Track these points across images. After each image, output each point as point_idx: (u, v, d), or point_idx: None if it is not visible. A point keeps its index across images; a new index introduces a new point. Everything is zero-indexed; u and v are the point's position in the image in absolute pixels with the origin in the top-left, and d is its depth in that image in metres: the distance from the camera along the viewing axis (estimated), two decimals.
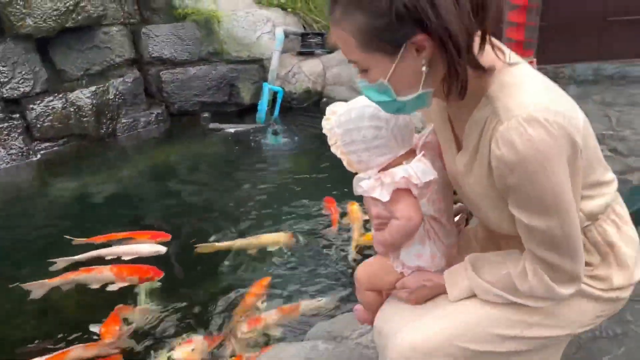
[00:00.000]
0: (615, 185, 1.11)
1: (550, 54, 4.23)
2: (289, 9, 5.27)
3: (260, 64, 4.53)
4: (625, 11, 4.62)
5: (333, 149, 1.18)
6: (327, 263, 2.38)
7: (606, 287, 1.08)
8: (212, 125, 4.10)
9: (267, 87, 4.23)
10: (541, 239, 0.97)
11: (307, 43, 4.84)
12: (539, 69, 1.24)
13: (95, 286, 2.25)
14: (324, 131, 1.19)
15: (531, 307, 1.06)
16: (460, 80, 0.93)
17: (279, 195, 2.98)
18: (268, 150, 3.82)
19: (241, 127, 4.14)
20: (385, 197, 1.08)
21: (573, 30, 4.35)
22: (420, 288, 1.18)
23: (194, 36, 4.28)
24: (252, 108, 4.41)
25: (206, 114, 4.11)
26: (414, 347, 1.07)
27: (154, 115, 4.17)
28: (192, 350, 1.87)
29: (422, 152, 1.12)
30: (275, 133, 3.92)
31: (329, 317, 1.98)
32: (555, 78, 4.58)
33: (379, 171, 1.13)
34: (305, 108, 4.56)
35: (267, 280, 2.22)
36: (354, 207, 2.66)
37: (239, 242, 2.48)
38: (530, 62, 4.22)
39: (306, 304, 2.09)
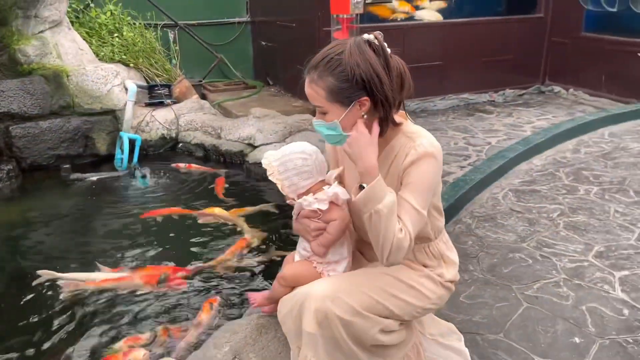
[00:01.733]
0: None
1: None
2: (131, 64, 5.51)
3: (113, 115, 4.68)
4: (418, 60, 5.82)
5: (270, 177, 1.70)
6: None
7: (442, 279, 1.73)
8: (73, 176, 4.13)
9: (125, 136, 4.40)
10: (407, 211, 1.53)
11: (156, 94, 5.12)
12: None
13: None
14: (264, 165, 1.71)
15: (408, 282, 1.67)
16: (388, 125, 1.57)
17: (155, 229, 3.27)
18: (137, 193, 3.98)
19: (104, 175, 4.23)
20: (324, 206, 1.63)
21: None
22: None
23: (43, 90, 4.30)
24: (109, 158, 4.53)
25: (67, 166, 4.12)
26: (329, 289, 1.58)
27: (4, 171, 4.04)
28: None
29: (337, 181, 1.70)
30: (143, 176, 4.10)
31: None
32: None
33: (303, 193, 1.68)
34: (162, 154, 4.82)
35: None
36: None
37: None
38: None
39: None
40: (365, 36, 1.53)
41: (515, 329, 2.27)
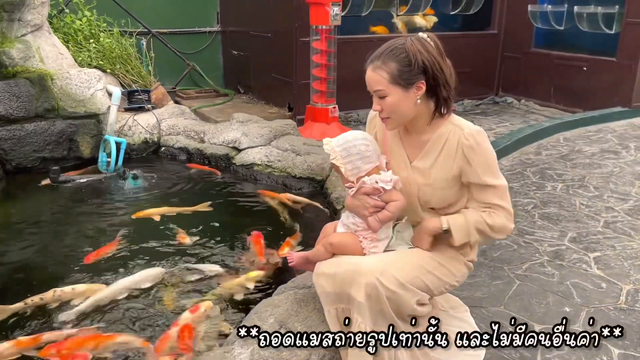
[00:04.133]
0: None
1: (341, 103, 5.42)
2: (108, 70, 5.54)
3: (96, 119, 4.70)
4: None
5: (333, 161, 1.87)
6: None
7: (466, 259, 1.97)
8: (62, 178, 4.13)
9: (112, 139, 4.45)
10: (496, 193, 1.82)
11: (136, 99, 5.18)
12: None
13: None
14: (326, 150, 1.89)
15: (440, 261, 1.89)
16: (450, 105, 1.81)
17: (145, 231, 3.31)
18: (128, 194, 4.05)
19: (93, 177, 4.26)
20: (389, 186, 1.83)
21: (354, 84, 5.64)
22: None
23: (29, 93, 4.29)
24: (92, 161, 4.56)
25: (55, 167, 4.12)
26: (378, 265, 1.79)
27: None
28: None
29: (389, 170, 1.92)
30: (135, 177, 4.16)
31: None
32: (346, 121, 5.82)
33: (361, 176, 1.86)
34: (145, 157, 4.88)
35: None
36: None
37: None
38: (334, 108, 5.39)
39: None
40: (421, 34, 1.79)
41: (513, 302, 2.56)
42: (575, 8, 6.15)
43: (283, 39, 5.83)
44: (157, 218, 3.44)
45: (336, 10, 4.98)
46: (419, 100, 1.76)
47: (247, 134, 4.67)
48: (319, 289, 1.95)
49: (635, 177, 4.23)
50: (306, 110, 5.47)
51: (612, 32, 5.93)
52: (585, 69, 6.23)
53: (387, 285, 1.75)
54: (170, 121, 5.09)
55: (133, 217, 3.48)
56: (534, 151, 4.93)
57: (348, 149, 1.84)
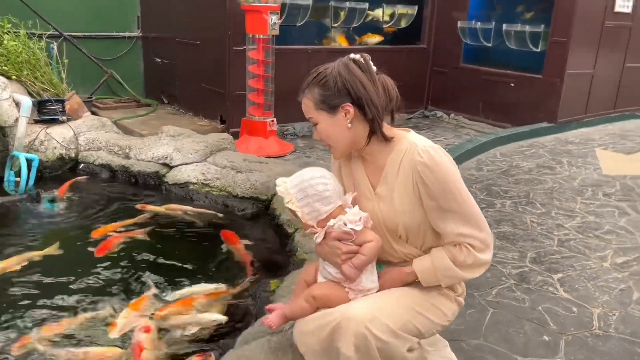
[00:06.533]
0: None
1: (276, 115, 5.15)
2: (14, 77, 4.89)
3: (1, 132, 4.11)
4: None
5: (289, 205, 1.65)
6: None
7: (455, 294, 1.77)
8: None
9: (22, 156, 3.88)
10: (458, 218, 1.61)
11: (48, 110, 4.60)
12: None
13: None
14: (279, 193, 1.67)
15: (431, 301, 1.69)
16: (380, 132, 1.64)
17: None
18: (44, 218, 3.52)
19: (5, 199, 3.68)
20: (360, 226, 1.62)
21: (289, 96, 5.40)
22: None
23: None
24: None
25: None
26: (367, 311, 1.56)
27: None
28: None
29: (355, 205, 1.70)
30: (52, 200, 3.64)
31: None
32: (282, 134, 5.56)
33: (323, 219, 1.63)
34: (60, 175, 4.32)
35: None
36: None
37: None
38: (272, 122, 5.14)
39: None
40: (352, 55, 1.64)
41: (491, 333, 2.40)
42: (504, 26, 6.31)
43: (214, 47, 5.47)
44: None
45: (274, 19, 4.72)
46: (349, 124, 1.62)
47: (179, 150, 4.27)
48: (302, 348, 1.71)
49: (575, 193, 4.31)
50: (242, 123, 5.14)
51: (539, 50, 6.14)
52: (512, 85, 6.40)
53: (378, 335, 1.53)
54: (89, 135, 4.56)
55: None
56: (475, 167, 4.92)
57: (304, 190, 1.63)
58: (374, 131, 1.65)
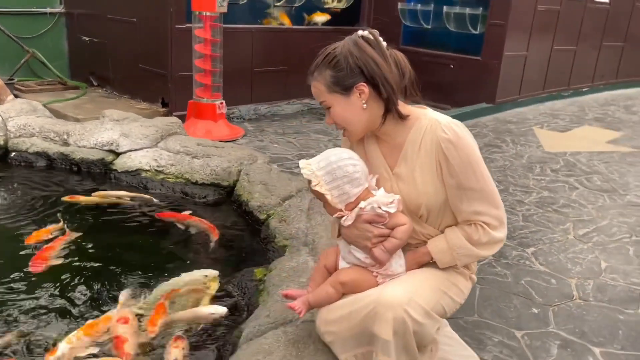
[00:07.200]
0: None
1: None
2: None
3: None
4: (266, 64, 5.79)
5: (317, 188, 1.54)
6: None
7: (469, 272, 1.74)
8: None
9: None
10: (476, 196, 1.57)
11: None
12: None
13: None
14: (305, 176, 1.56)
15: (452, 280, 1.65)
16: (395, 110, 1.57)
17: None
18: None
19: None
20: (394, 209, 1.55)
21: (233, 78, 5.19)
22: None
23: None
24: None
25: None
26: (404, 294, 1.49)
27: None
28: None
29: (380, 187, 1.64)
30: None
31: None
32: (230, 117, 5.34)
33: (352, 203, 1.55)
34: None
35: None
36: None
37: None
38: (221, 104, 4.94)
39: None
40: (360, 32, 1.58)
41: (484, 309, 2.43)
42: (444, 8, 6.40)
43: (153, 25, 5.11)
44: None
45: None
46: (364, 105, 1.56)
47: (127, 135, 3.96)
48: (329, 338, 1.63)
49: (526, 170, 4.47)
50: (188, 106, 4.86)
51: (477, 32, 6.29)
52: (452, 66, 6.54)
53: (416, 318, 1.48)
54: (19, 120, 4.11)
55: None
56: None
57: (333, 172, 1.54)
58: (389, 110, 1.59)
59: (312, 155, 1.61)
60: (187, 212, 3.14)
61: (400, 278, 1.61)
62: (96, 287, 2.34)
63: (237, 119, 5.58)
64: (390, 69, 1.55)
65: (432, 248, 1.63)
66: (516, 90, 6.77)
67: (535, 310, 2.45)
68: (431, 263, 1.66)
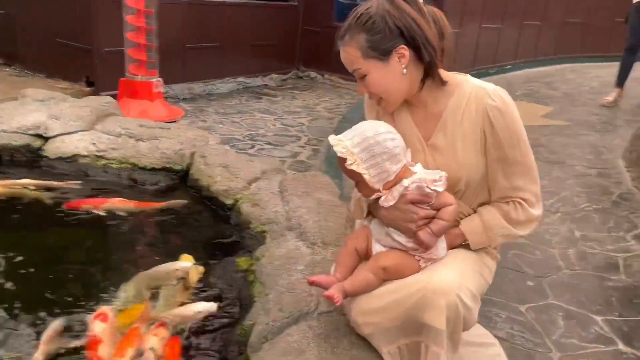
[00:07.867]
0: None
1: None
2: None
3: None
4: (200, 40, 5.40)
5: (352, 167, 1.35)
6: None
7: (495, 251, 1.61)
8: None
9: None
10: (518, 170, 1.46)
11: None
12: None
13: None
14: (338, 154, 1.36)
15: (484, 260, 1.53)
16: (437, 75, 1.43)
17: None
18: None
19: None
20: (442, 188, 1.38)
21: (165, 54, 4.78)
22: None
23: None
24: None
25: None
26: (455, 279, 1.35)
27: None
28: None
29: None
30: None
31: None
32: (164, 97, 4.93)
33: (391, 181, 1.37)
34: None
35: None
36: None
37: None
38: (158, 82, 4.54)
39: None
40: None
41: None
42: None
43: None
44: None
45: None
46: (405, 70, 1.40)
47: (57, 117, 3.47)
48: (367, 329, 1.45)
49: None
50: (119, 85, 4.39)
51: None
52: None
53: (467, 303, 1.34)
54: None
55: None
56: None
57: (370, 149, 1.35)
58: (429, 75, 1.43)
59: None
60: (100, 197, 2.65)
61: (442, 261, 1.45)
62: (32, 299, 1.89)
63: (172, 98, 5.15)
64: (430, 29, 1.39)
65: (466, 229, 1.49)
66: (451, 67, 6.85)
67: (530, 283, 2.42)
68: (461, 245, 1.52)
